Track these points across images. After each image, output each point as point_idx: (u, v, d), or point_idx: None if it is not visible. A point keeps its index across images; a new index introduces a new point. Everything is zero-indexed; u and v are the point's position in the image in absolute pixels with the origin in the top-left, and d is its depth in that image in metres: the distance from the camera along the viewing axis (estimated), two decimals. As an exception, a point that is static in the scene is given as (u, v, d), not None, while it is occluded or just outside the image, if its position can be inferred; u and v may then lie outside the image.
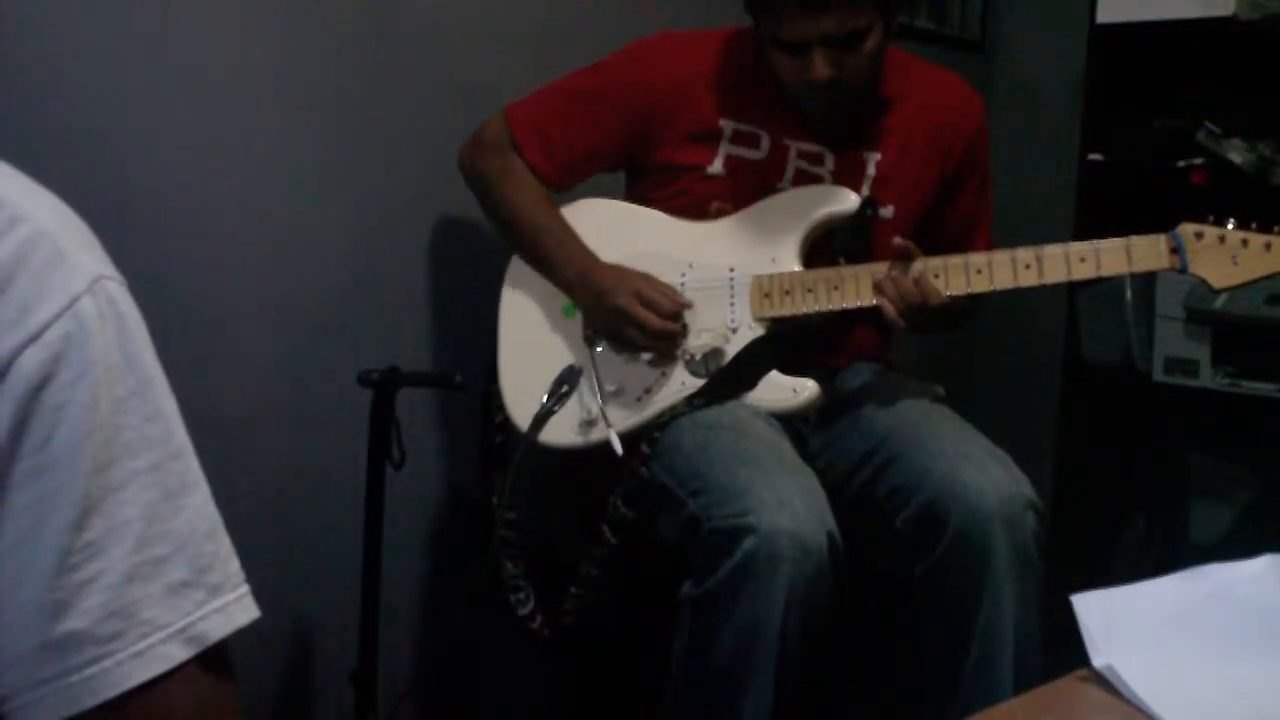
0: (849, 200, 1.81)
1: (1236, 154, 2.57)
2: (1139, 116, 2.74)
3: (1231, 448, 2.64)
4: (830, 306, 1.75)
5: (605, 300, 1.79)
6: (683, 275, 1.83)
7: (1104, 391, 2.72)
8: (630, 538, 1.75)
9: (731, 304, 1.80)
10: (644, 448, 1.75)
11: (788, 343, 1.81)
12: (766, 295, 1.79)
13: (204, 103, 1.79)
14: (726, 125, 1.84)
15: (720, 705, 1.59)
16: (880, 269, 1.71)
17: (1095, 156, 2.73)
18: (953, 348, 3.04)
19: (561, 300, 1.88)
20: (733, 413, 1.75)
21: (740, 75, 1.85)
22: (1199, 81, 2.77)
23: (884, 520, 1.70)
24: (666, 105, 1.85)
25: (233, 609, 0.75)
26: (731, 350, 1.79)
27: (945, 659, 1.65)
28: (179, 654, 0.71)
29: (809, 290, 1.76)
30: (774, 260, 1.80)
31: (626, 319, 1.78)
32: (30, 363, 0.68)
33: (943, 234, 1.89)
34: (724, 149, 1.85)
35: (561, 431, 1.81)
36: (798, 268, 1.79)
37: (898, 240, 1.70)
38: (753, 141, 1.85)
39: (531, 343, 1.88)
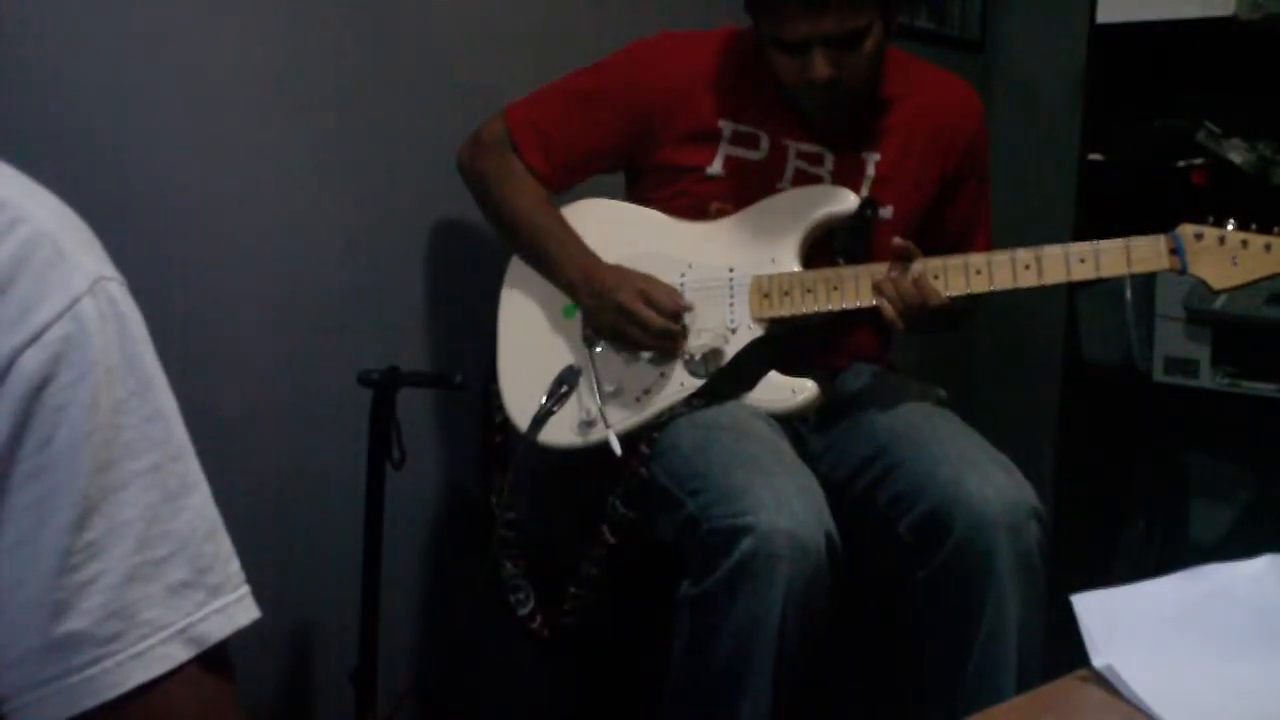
0: (848, 200, 1.81)
1: (1236, 154, 2.57)
2: (1139, 116, 2.74)
3: (1231, 448, 2.64)
4: (830, 307, 1.75)
5: (607, 298, 1.79)
6: (682, 275, 1.83)
7: (1104, 391, 2.72)
8: (630, 538, 1.75)
9: (731, 304, 1.80)
10: (643, 448, 1.75)
11: (787, 343, 1.81)
12: (766, 296, 1.79)
13: (204, 103, 1.79)
14: (725, 126, 1.84)
15: (719, 705, 1.59)
16: (880, 269, 1.71)
17: (1095, 156, 2.73)
18: (953, 348, 3.04)
19: (561, 300, 1.88)
20: (732, 413, 1.75)
21: (740, 76, 1.85)
22: (1199, 81, 2.77)
23: (886, 526, 1.70)
24: (666, 106, 1.85)
25: (233, 609, 0.75)
26: (731, 350, 1.79)
27: (947, 663, 1.65)
28: (179, 654, 0.71)
29: (808, 291, 1.76)
30: (773, 261, 1.80)
31: (628, 317, 1.78)
32: (31, 363, 0.68)
33: (942, 234, 1.89)
34: (723, 149, 1.85)
35: (561, 432, 1.81)
36: (797, 268, 1.79)
37: (897, 240, 1.69)
38: (752, 142, 1.85)
39: (531, 343, 1.88)
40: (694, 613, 1.61)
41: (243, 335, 1.87)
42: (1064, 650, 1.06)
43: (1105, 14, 2.68)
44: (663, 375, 1.80)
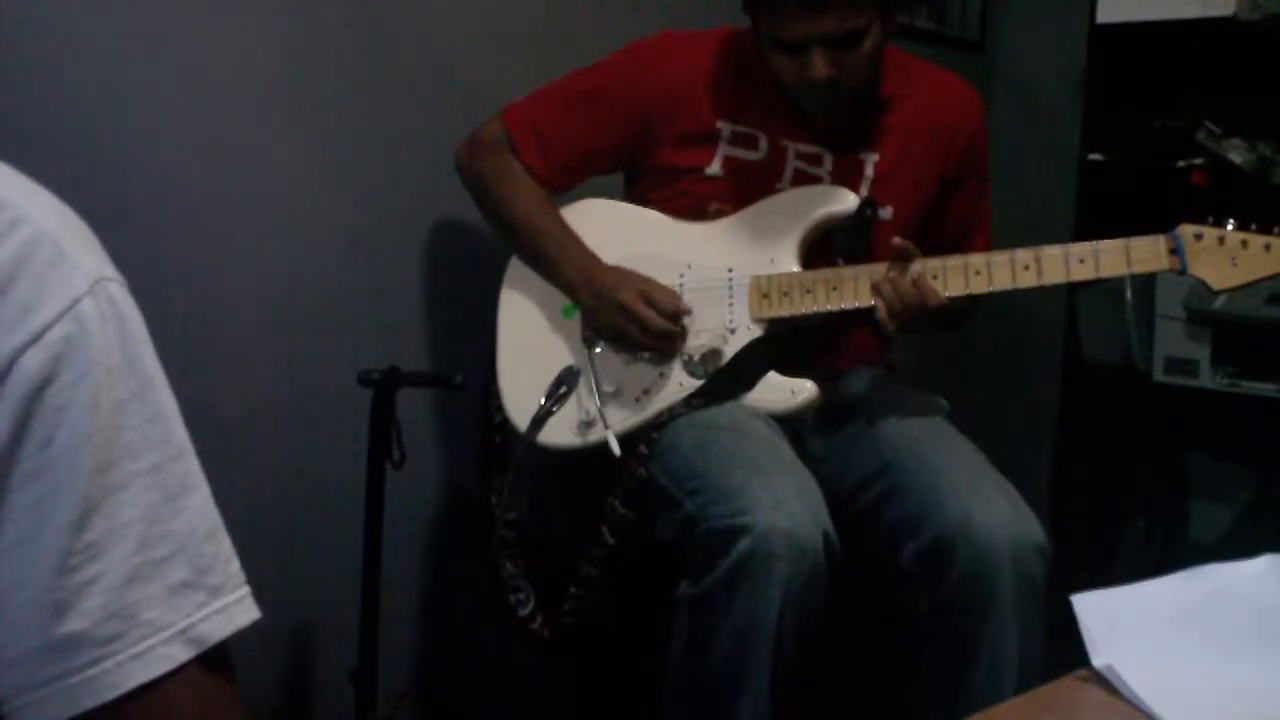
0: (848, 200, 1.81)
1: (1236, 154, 2.57)
2: (1139, 116, 2.74)
3: (1231, 448, 2.64)
4: (829, 307, 1.75)
5: (608, 298, 1.79)
6: (681, 276, 1.83)
7: (1104, 391, 2.72)
8: (629, 538, 1.75)
9: (730, 305, 1.80)
10: (642, 448, 1.75)
11: (786, 344, 1.81)
12: (765, 296, 1.79)
13: (204, 103, 1.79)
14: (724, 127, 1.84)
15: (717, 705, 1.59)
16: (879, 270, 1.71)
17: (1095, 156, 2.73)
18: (953, 348, 3.04)
19: (560, 301, 1.88)
20: (731, 413, 1.75)
21: (738, 76, 1.85)
22: (1199, 81, 2.77)
23: (888, 548, 1.69)
24: (664, 106, 1.85)
25: (233, 610, 0.74)
26: (730, 351, 1.79)
27: (946, 687, 1.65)
28: (179, 655, 0.71)
29: (807, 291, 1.76)
30: (772, 261, 1.80)
31: (628, 316, 1.78)
32: (31, 364, 0.68)
33: (942, 234, 1.89)
34: (722, 150, 1.85)
35: (560, 432, 1.81)
36: (796, 268, 1.79)
37: (896, 240, 1.69)
38: (751, 143, 1.85)
39: (530, 343, 1.88)
40: (692, 612, 1.61)
41: (243, 335, 1.87)
42: (1064, 650, 1.06)
43: (1105, 14, 2.68)
44: (662, 376, 1.80)
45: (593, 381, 1.81)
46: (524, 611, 1.83)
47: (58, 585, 0.69)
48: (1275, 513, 2.50)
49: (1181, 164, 2.64)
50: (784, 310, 1.77)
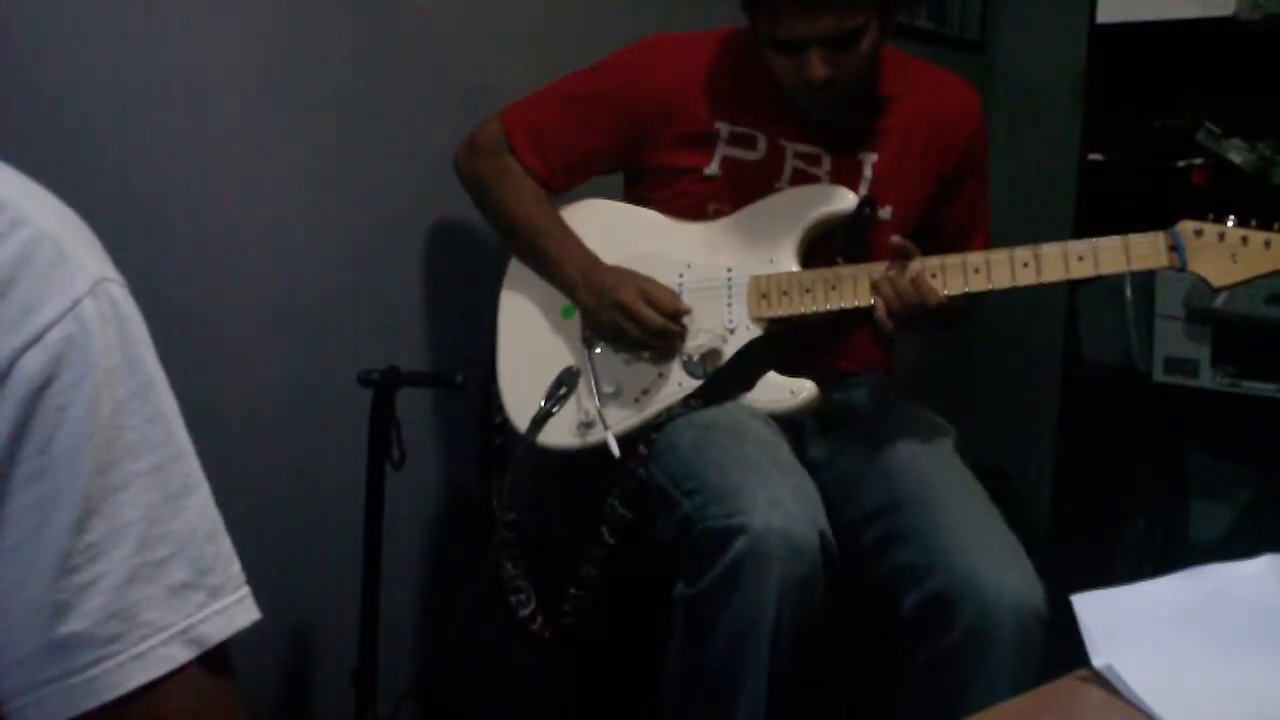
0: (847, 200, 1.81)
1: (1236, 154, 2.57)
2: (1139, 116, 2.74)
3: (1231, 448, 2.64)
4: (828, 307, 1.75)
5: (608, 297, 1.79)
6: (680, 276, 1.83)
7: (1104, 391, 2.72)
8: (629, 538, 1.75)
9: (729, 304, 1.80)
10: (641, 449, 1.75)
11: (786, 344, 1.81)
12: (764, 296, 1.79)
13: (204, 103, 1.79)
14: (722, 128, 1.84)
15: (714, 705, 1.58)
16: (878, 269, 1.71)
17: (1095, 156, 2.74)
18: (953, 348, 3.04)
19: (560, 302, 1.88)
20: (730, 414, 1.75)
21: (736, 77, 1.85)
22: (1199, 81, 2.77)
23: (889, 591, 1.68)
24: (662, 107, 1.85)
25: (233, 611, 0.74)
26: (729, 351, 1.79)
27: None
28: (180, 655, 0.71)
29: (806, 290, 1.76)
30: (771, 261, 1.80)
31: (628, 315, 1.78)
32: (32, 365, 0.68)
33: (941, 234, 1.89)
34: (720, 150, 1.85)
35: (560, 433, 1.81)
36: (795, 268, 1.79)
37: (895, 239, 1.68)
38: (749, 143, 1.85)
39: (530, 344, 1.88)
40: (689, 612, 1.61)
41: (243, 335, 1.87)
42: (1064, 650, 1.06)
43: (1105, 14, 2.68)
44: (661, 376, 1.80)
45: (592, 382, 1.81)
46: (524, 612, 1.83)
47: (58, 586, 0.69)
48: (1275, 513, 2.50)
49: (1181, 164, 2.64)
50: (783, 310, 1.77)
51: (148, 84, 1.72)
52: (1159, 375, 2.58)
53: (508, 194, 1.90)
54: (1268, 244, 1.58)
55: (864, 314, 1.73)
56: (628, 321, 1.78)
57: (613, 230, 1.89)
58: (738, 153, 1.85)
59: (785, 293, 1.77)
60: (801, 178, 1.85)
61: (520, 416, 1.83)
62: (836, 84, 1.74)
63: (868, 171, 1.86)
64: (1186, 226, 1.61)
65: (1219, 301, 2.36)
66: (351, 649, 1.80)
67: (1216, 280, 1.61)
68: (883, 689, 1.95)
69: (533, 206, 1.89)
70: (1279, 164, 2.56)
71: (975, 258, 1.68)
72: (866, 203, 1.81)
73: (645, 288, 1.79)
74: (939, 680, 1.62)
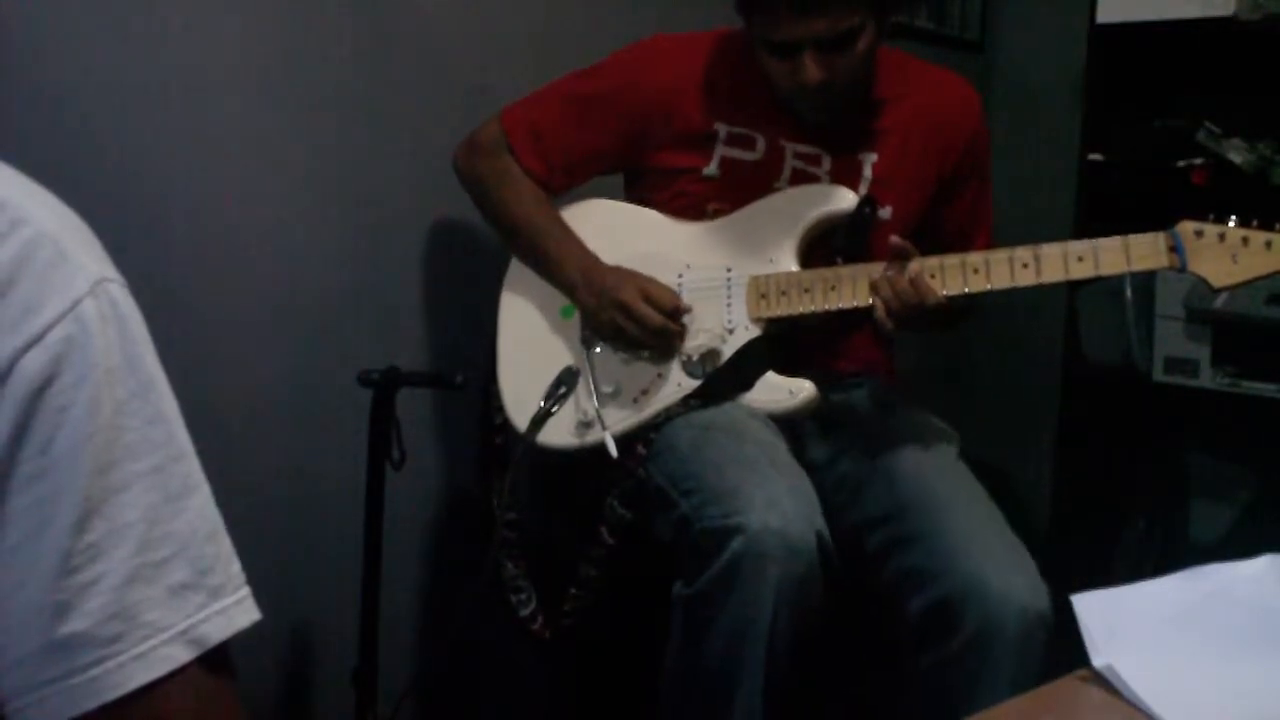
0: (847, 199, 1.81)
1: (1236, 154, 2.57)
2: (1139, 116, 2.74)
3: (1231, 448, 2.64)
4: (827, 307, 1.74)
5: (608, 296, 1.79)
6: (680, 276, 1.83)
7: (1104, 391, 2.72)
8: (628, 539, 1.75)
9: (728, 304, 1.80)
10: (640, 449, 1.75)
11: (785, 344, 1.81)
12: (763, 296, 1.78)
13: (204, 103, 1.79)
14: (721, 128, 1.84)
15: (711, 704, 1.59)
16: (877, 269, 1.70)
17: (1095, 156, 2.74)
18: (953, 348, 3.04)
19: (560, 302, 1.88)
20: (729, 414, 1.75)
21: (734, 77, 1.84)
22: (1199, 81, 2.77)
23: (893, 594, 1.68)
24: (660, 108, 1.85)
25: (233, 611, 0.75)
26: (728, 351, 1.79)
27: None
28: (180, 656, 0.71)
29: (805, 290, 1.76)
30: (771, 261, 1.80)
31: (628, 314, 1.78)
32: (32, 365, 0.68)
33: (942, 234, 1.88)
34: (719, 151, 1.85)
35: (559, 433, 1.81)
36: (795, 268, 1.79)
37: (894, 239, 1.68)
38: (748, 143, 1.85)
39: (530, 344, 1.88)
40: (687, 613, 1.61)
41: (243, 335, 1.87)
42: (1064, 650, 1.06)
43: (1105, 14, 2.68)
44: (660, 376, 1.80)
45: (591, 382, 1.81)
46: (525, 611, 1.83)
47: (59, 586, 0.69)
48: (1275, 513, 2.50)
49: (1181, 164, 2.64)
50: (782, 310, 1.77)
51: (148, 84, 1.72)
52: (1159, 375, 2.58)
53: (507, 194, 1.90)
54: (1268, 244, 1.58)
55: (863, 314, 1.73)
56: (627, 320, 1.78)
57: (613, 230, 1.89)
58: (737, 153, 1.85)
59: (784, 293, 1.77)
60: (801, 178, 1.85)
61: (520, 416, 1.83)
62: (832, 86, 1.73)
63: (867, 172, 1.86)
64: (1187, 227, 1.60)
65: (1219, 302, 2.36)
66: (351, 649, 1.80)
67: (1216, 281, 1.60)
68: (882, 690, 1.95)
69: (532, 206, 1.89)
70: (1279, 164, 2.56)
71: (974, 258, 1.67)
72: (866, 203, 1.81)
73: (645, 287, 1.79)
74: (943, 684, 1.62)
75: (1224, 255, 1.59)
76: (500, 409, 1.87)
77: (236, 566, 0.76)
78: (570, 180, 1.93)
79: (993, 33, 3.26)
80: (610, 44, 1.94)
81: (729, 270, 1.81)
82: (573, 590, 1.79)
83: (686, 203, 1.87)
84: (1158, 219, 1.64)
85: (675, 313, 1.79)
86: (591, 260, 1.85)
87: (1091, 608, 1.02)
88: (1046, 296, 2.66)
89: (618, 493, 1.75)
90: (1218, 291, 1.64)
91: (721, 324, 1.80)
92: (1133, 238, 1.62)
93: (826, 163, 1.85)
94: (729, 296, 1.80)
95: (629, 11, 2.31)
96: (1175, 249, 1.60)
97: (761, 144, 1.84)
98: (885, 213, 1.85)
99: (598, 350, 1.84)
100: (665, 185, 1.88)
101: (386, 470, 1.77)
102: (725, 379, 1.78)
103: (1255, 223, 1.59)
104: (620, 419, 1.79)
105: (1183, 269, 1.61)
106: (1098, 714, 0.97)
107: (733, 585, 1.54)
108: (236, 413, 1.84)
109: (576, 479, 1.86)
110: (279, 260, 1.90)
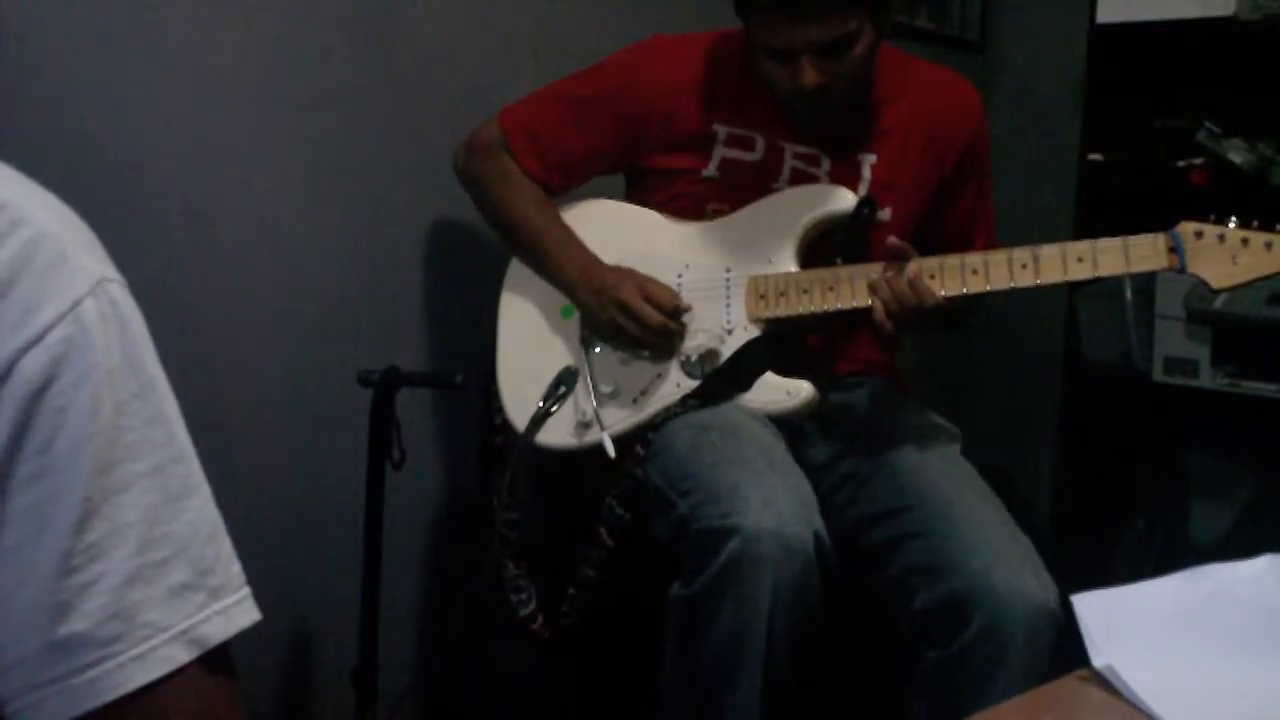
0: (846, 200, 1.80)
1: (1236, 154, 2.57)
2: (1139, 116, 2.74)
3: (1231, 448, 2.64)
4: (826, 307, 1.74)
5: (608, 295, 1.79)
6: (679, 276, 1.83)
7: (1104, 391, 2.72)
8: (627, 539, 1.75)
9: (727, 305, 1.80)
10: (639, 449, 1.75)
11: (784, 344, 1.80)
12: (762, 296, 1.78)
13: (203, 103, 1.79)
14: (720, 129, 1.84)
15: (709, 704, 1.59)
16: (876, 270, 1.70)
17: (1095, 156, 2.74)
18: (953, 348, 3.04)
19: (559, 301, 1.88)
20: (727, 414, 1.74)
21: (733, 78, 1.84)
22: (1199, 81, 2.77)
23: (898, 591, 1.67)
24: (659, 109, 1.85)
25: (234, 611, 0.74)
26: (727, 351, 1.79)
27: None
28: (180, 656, 0.71)
29: (804, 291, 1.76)
30: (770, 261, 1.80)
31: (628, 313, 1.77)
32: (32, 365, 0.68)
33: (942, 235, 1.88)
34: (719, 152, 1.85)
35: (558, 433, 1.81)
36: (794, 268, 1.79)
37: (892, 240, 1.68)
38: (747, 144, 1.85)
39: (529, 344, 1.88)
40: (684, 613, 1.61)
41: (243, 335, 1.87)
42: (1064, 650, 1.06)
43: (1105, 14, 2.68)
44: (659, 376, 1.80)
45: (590, 382, 1.81)
46: (525, 611, 1.83)
47: (58, 587, 0.69)
48: (1275, 513, 2.50)
49: (1181, 164, 2.64)
50: (780, 310, 1.77)
51: (148, 84, 1.72)
52: (1159, 375, 2.58)
53: (507, 194, 1.90)
54: (1269, 245, 1.57)
55: (863, 315, 1.73)
56: (627, 319, 1.78)
57: (612, 230, 1.89)
58: (736, 154, 1.85)
59: (783, 293, 1.77)
60: (800, 178, 1.85)
61: (520, 416, 1.83)
62: (830, 90, 1.73)
63: (867, 172, 1.86)
64: (1186, 228, 1.59)
65: (1219, 302, 2.36)
66: (351, 649, 1.80)
67: (1216, 282, 1.60)
68: (881, 689, 1.95)
69: (532, 206, 1.89)
70: (1279, 164, 2.56)
71: (973, 259, 1.67)
72: (865, 203, 1.81)
73: (645, 286, 1.79)
74: (949, 682, 1.62)
75: (1224, 256, 1.58)
76: (500, 409, 1.87)
77: (236, 567, 0.76)
78: (569, 181, 1.93)
79: (993, 33, 3.26)
80: (610, 44, 1.94)
81: (728, 271, 1.81)
82: (572, 591, 1.79)
83: (686, 203, 1.87)
84: (1158, 219, 1.64)
85: (675, 312, 1.79)
86: (591, 259, 1.85)
87: (1091, 607, 1.02)
88: (1046, 297, 2.67)
89: (616, 493, 1.75)
90: (1217, 293, 1.64)
91: (720, 324, 1.80)
92: (1132, 239, 1.61)
93: (826, 163, 1.85)
94: (728, 297, 1.80)
95: (629, 11, 2.31)
96: (1175, 250, 1.60)
97: (761, 145, 1.84)
98: (885, 214, 1.84)
99: (597, 350, 1.84)
100: (665, 186, 1.88)
101: (386, 470, 1.77)
102: (724, 379, 1.78)
103: (1255, 223, 1.58)
104: (619, 419, 1.79)
105: (1182, 270, 1.61)
106: (1098, 714, 0.97)
107: (729, 586, 1.54)
108: (236, 413, 1.84)
109: (576, 479, 1.86)
110: (279, 260, 1.90)
